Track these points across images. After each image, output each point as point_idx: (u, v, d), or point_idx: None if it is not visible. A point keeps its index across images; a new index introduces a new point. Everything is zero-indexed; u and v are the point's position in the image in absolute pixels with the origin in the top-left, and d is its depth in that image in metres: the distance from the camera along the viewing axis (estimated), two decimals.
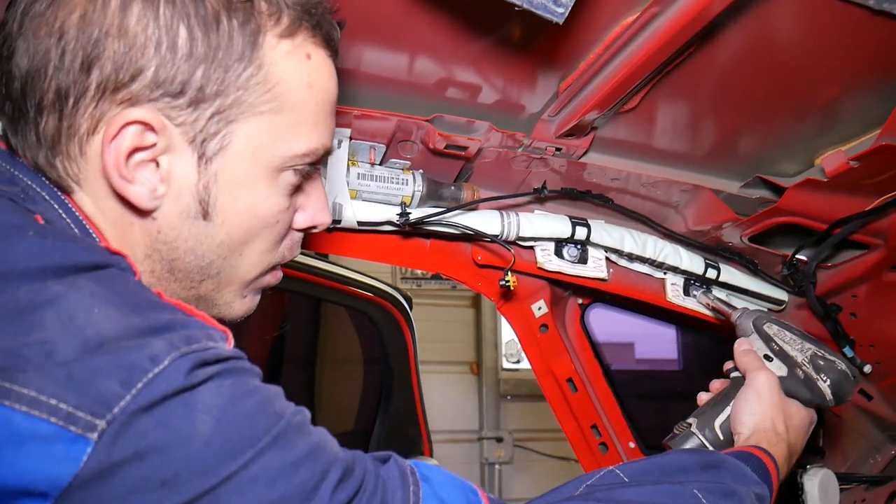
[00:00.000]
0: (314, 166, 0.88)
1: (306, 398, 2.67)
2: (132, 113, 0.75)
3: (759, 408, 1.23)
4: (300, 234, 0.95)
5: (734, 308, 1.48)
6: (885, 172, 1.29)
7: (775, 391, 1.25)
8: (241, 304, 0.92)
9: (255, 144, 0.81)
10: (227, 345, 0.71)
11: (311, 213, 0.93)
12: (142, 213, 0.80)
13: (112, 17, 0.74)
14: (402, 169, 1.40)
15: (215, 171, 0.79)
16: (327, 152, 0.89)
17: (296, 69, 0.82)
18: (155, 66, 0.74)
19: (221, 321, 0.76)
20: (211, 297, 0.88)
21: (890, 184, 1.34)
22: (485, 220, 1.46)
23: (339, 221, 1.36)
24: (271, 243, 0.88)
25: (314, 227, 0.95)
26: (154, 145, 0.77)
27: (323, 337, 2.82)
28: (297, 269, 2.17)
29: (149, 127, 0.76)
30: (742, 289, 1.69)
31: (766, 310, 1.35)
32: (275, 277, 0.94)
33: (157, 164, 0.78)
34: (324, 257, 2.38)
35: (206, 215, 0.81)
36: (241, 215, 0.83)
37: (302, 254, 2.16)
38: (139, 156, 0.77)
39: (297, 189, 0.88)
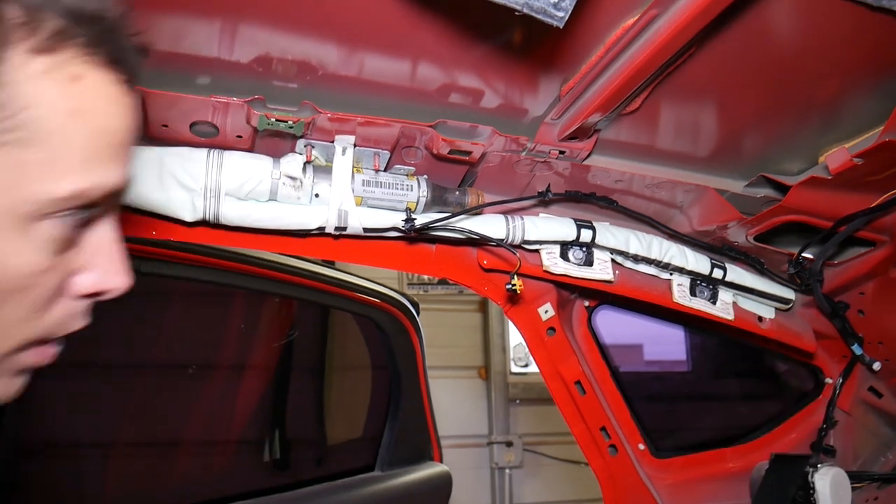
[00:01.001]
0: (90, 211, 0.70)
1: (315, 405, 2.67)
2: None
3: None
4: (85, 302, 0.75)
5: None
6: (889, 169, 1.29)
7: None
8: None
9: None
10: None
11: (100, 274, 0.73)
12: None
13: None
14: (407, 175, 1.41)
15: None
16: (113, 193, 0.71)
17: (53, 92, 0.64)
18: None
19: None
20: None
21: (894, 180, 1.34)
22: (490, 225, 1.46)
23: (344, 228, 1.37)
24: (26, 311, 0.69)
25: (104, 294, 0.75)
26: None
27: (331, 344, 2.82)
28: (304, 277, 2.18)
29: None
30: (749, 288, 1.69)
31: None
32: (39, 356, 0.74)
33: None
34: (330, 264, 2.39)
35: None
36: None
37: (308, 261, 2.17)
38: None
39: (68, 244, 0.70)
